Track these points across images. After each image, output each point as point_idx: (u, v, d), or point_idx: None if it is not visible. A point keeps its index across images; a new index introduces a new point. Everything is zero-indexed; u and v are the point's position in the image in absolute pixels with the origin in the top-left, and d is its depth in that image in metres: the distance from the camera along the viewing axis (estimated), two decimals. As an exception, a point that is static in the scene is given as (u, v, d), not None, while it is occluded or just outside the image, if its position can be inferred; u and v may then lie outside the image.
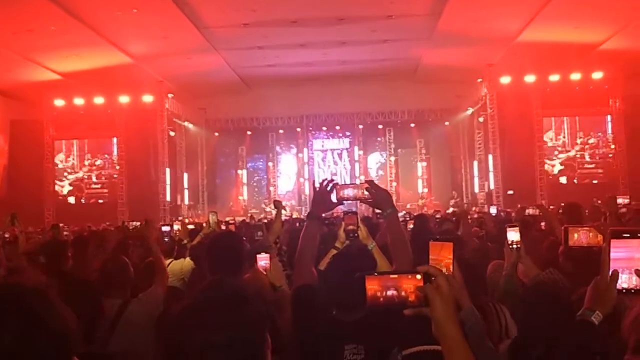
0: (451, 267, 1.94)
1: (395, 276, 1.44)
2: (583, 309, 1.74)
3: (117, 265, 3.67)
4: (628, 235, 1.69)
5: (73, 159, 20.65)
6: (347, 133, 25.03)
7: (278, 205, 6.03)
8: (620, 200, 8.01)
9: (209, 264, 3.18)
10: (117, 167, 20.24)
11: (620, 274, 1.68)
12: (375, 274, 1.48)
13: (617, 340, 1.85)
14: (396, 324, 1.63)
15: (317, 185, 2.99)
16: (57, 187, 20.35)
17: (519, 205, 10.03)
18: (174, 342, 1.39)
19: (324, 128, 24.86)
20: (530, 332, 2.48)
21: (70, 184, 20.52)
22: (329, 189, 2.95)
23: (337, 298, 2.50)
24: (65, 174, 20.59)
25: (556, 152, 20.29)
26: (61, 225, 11.13)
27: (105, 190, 20.45)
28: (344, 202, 3.04)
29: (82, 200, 20.42)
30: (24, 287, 1.07)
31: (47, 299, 1.06)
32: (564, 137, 20.39)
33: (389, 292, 1.42)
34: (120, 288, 3.58)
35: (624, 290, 1.68)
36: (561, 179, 20.15)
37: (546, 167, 19.93)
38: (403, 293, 1.42)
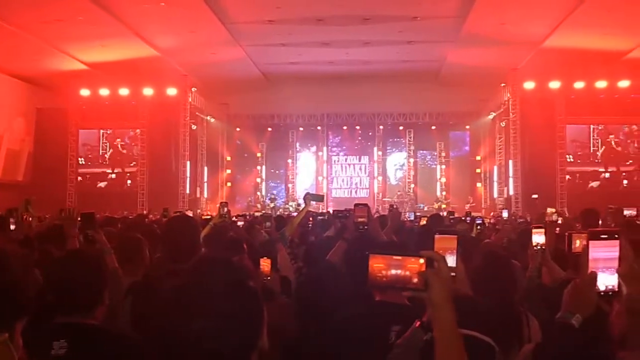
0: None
1: (400, 257, 1.46)
2: (562, 312, 1.71)
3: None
4: (606, 236, 1.68)
5: (102, 149, 21.01)
6: (369, 133, 24.99)
7: (307, 199, 5.95)
8: (627, 212, 7.95)
9: (165, 250, 3.16)
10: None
11: (599, 276, 1.66)
12: (380, 253, 1.48)
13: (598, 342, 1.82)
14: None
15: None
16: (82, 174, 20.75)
17: (544, 211, 9.93)
18: (163, 327, 1.31)
19: (345, 127, 24.88)
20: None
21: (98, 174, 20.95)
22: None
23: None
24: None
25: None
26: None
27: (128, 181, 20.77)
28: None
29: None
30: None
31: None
32: (593, 146, 20.20)
33: (392, 272, 1.45)
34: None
35: (602, 293, 1.67)
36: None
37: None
38: (407, 273, 1.45)
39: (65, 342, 2.04)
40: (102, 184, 20.82)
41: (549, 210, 8.33)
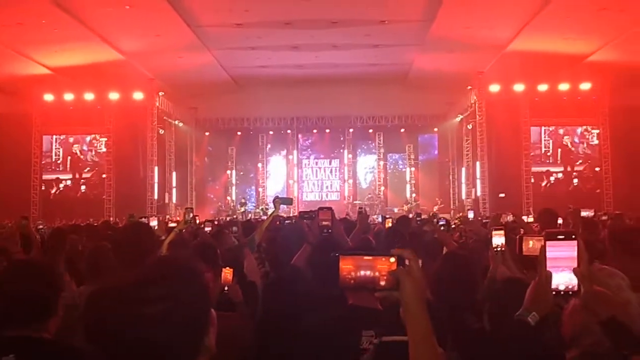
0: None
1: (370, 258, 1.44)
2: (521, 309, 1.75)
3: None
4: (563, 237, 1.70)
5: (59, 157, 20.54)
6: (339, 136, 25.10)
7: (276, 203, 5.83)
8: (584, 213, 8.18)
9: (121, 256, 3.15)
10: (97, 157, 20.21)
11: (555, 275, 1.69)
12: (350, 253, 1.46)
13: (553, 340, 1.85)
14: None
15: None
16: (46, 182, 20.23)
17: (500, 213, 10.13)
18: (103, 317, 1.29)
19: (315, 131, 24.92)
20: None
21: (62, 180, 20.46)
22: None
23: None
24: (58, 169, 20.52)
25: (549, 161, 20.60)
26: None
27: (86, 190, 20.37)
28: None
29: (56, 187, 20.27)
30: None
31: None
32: (545, 146, 20.67)
33: (362, 273, 1.43)
34: None
35: (562, 292, 1.70)
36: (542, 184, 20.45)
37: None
38: (377, 274, 1.42)
39: (13, 356, 1.95)
40: (52, 191, 20.33)
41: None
